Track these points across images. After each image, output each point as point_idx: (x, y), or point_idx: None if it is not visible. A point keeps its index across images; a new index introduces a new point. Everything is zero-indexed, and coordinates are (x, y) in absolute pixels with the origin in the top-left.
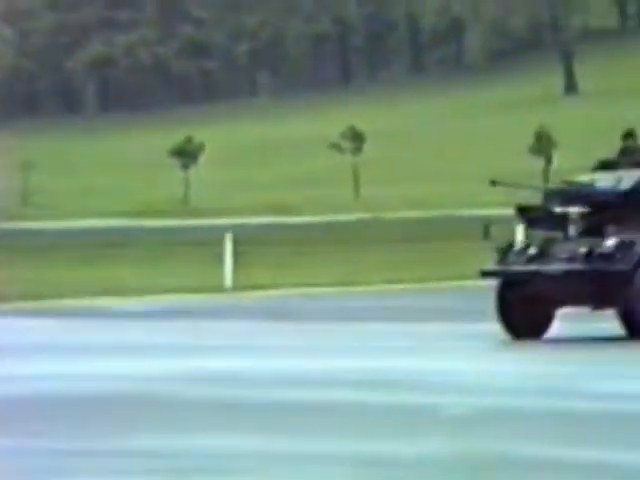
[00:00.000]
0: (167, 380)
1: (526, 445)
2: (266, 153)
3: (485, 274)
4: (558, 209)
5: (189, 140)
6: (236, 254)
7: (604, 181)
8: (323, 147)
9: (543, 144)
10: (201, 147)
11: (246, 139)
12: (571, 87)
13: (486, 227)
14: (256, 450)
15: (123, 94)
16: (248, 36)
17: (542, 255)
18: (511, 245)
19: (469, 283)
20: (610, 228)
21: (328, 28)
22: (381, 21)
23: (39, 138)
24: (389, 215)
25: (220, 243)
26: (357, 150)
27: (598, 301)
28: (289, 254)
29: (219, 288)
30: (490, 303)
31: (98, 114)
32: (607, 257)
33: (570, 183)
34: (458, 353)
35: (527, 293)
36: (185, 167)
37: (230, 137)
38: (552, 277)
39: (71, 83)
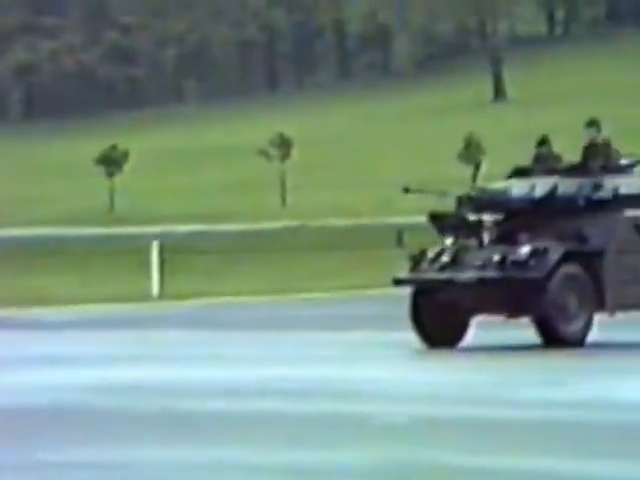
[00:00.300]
0: (97, 391)
1: (447, 453)
2: (193, 160)
3: (398, 282)
4: (472, 216)
5: (114, 148)
6: (163, 262)
7: (518, 188)
8: (251, 154)
9: (472, 151)
10: (126, 155)
11: (173, 146)
12: (499, 93)
13: (399, 234)
14: (183, 461)
15: (48, 101)
16: (174, 42)
17: (455, 263)
18: (424, 253)
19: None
20: (523, 235)
21: (255, 34)
22: (308, 27)
23: None
24: (316, 222)
25: (147, 251)
26: (285, 157)
27: (512, 309)
28: (218, 262)
29: (146, 297)
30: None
31: (22, 121)
32: (521, 265)
33: (483, 190)
34: (380, 362)
35: (440, 301)
36: (110, 175)
37: (157, 144)
38: (465, 285)
39: None
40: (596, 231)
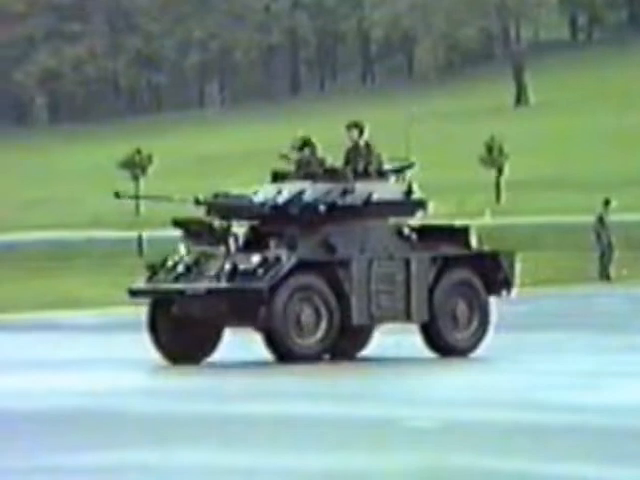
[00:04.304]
0: (118, 395)
1: (479, 457)
2: (216, 164)
3: (133, 293)
4: (217, 223)
5: (138, 151)
6: None
7: (263, 193)
8: (273, 158)
9: (494, 155)
10: (150, 158)
11: (196, 150)
12: (522, 99)
13: (139, 239)
14: (213, 465)
15: (72, 106)
16: (197, 48)
17: (191, 272)
18: (164, 261)
19: None
20: (272, 243)
21: (278, 39)
22: (331, 32)
23: None
24: None
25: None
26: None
27: (235, 321)
28: None
29: None
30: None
31: (47, 126)
32: (249, 274)
33: (227, 195)
34: (411, 365)
35: (174, 313)
36: (135, 178)
37: (180, 148)
38: (195, 296)
39: (20, 95)
40: (343, 239)
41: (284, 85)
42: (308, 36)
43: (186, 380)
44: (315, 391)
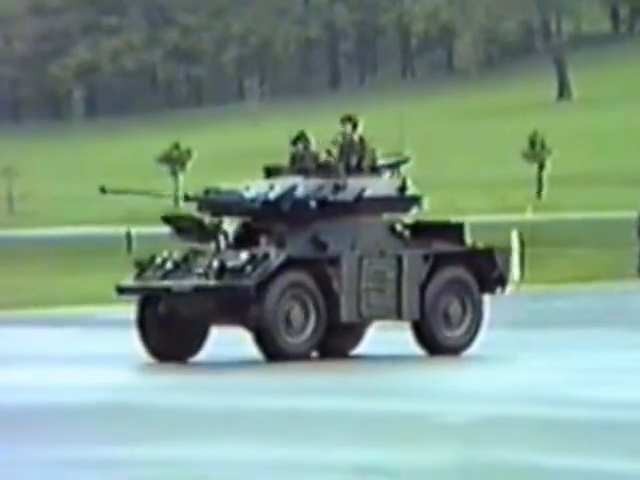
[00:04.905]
0: (146, 390)
1: (510, 452)
2: (255, 158)
3: (121, 291)
4: (208, 219)
5: (176, 146)
6: None
7: (255, 189)
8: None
9: (536, 150)
10: (189, 153)
11: (235, 144)
12: (564, 92)
13: (128, 236)
14: (249, 459)
15: (109, 99)
16: (235, 42)
17: (179, 269)
18: (153, 258)
19: None
20: (263, 240)
21: (318, 32)
22: (371, 26)
23: (24, 145)
24: None
25: None
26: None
27: (223, 319)
28: None
29: None
30: None
31: (84, 120)
32: (237, 272)
33: (218, 191)
34: (443, 361)
35: (162, 311)
36: (174, 173)
37: (218, 142)
38: (182, 294)
39: (56, 89)
40: (333, 236)
41: (323, 79)
42: (347, 29)
43: (209, 376)
44: (342, 387)
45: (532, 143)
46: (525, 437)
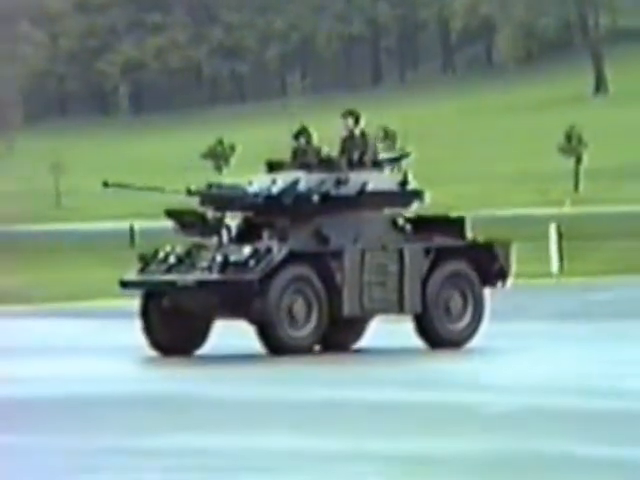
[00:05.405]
0: (193, 381)
1: (556, 443)
2: None
3: (125, 285)
4: (210, 214)
5: (220, 142)
6: None
7: (257, 184)
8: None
9: (573, 144)
10: (233, 148)
11: (277, 139)
12: (601, 87)
13: (131, 230)
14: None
15: (155, 96)
16: (278, 39)
17: (183, 264)
18: (156, 253)
19: None
20: (265, 234)
21: (360, 29)
22: (412, 22)
23: (71, 140)
24: None
25: None
26: (389, 150)
27: (226, 312)
28: None
29: None
30: None
31: (130, 116)
32: (240, 266)
33: (220, 186)
34: (490, 353)
35: (165, 305)
36: (218, 169)
37: (261, 138)
38: (185, 288)
39: (103, 85)
40: (336, 230)
41: (365, 75)
42: (389, 25)
43: (256, 367)
44: (384, 378)
45: (568, 137)
46: (563, 428)
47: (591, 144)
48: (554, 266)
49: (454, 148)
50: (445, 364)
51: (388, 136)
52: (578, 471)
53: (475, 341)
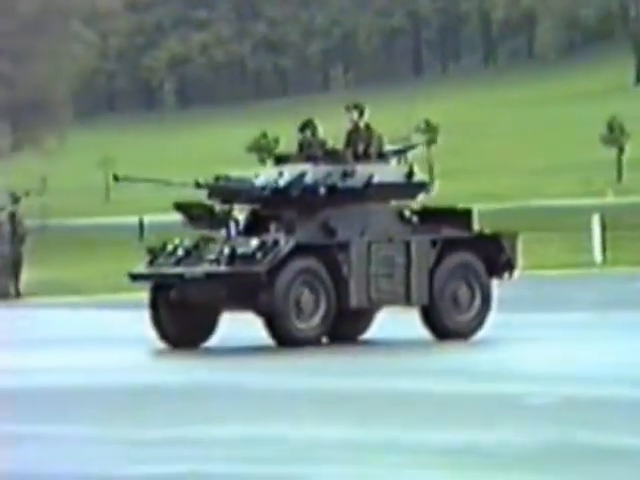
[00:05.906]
0: (241, 371)
1: (598, 433)
2: (340, 146)
3: (134, 277)
4: (218, 206)
5: (264, 135)
6: None
7: (265, 176)
8: (396, 140)
9: (615, 134)
10: (277, 142)
11: (321, 133)
12: None
13: (141, 224)
14: (341, 439)
15: (200, 90)
16: (320, 35)
17: (191, 256)
18: (165, 245)
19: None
20: (273, 227)
21: (400, 22)
22: (453, 14)
23: (119, 135)
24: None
25: None
26: (431, 142)
27: (234, 305)
28: None
29: None
30: None
31: (176, 110)
32: (248, 258)
33: (228, 178)
34: (532, 342)
35: (174, 298)
36: (262, 162)
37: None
38: (194, 280)
39: (149, 81)
40: (342, 222)
41: (406, 68)
42: (430, 18)
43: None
44: (427, 369)
45: (610, 128)
46: (608, 418)
47: (633, 134)
48: (597, 256)
49: (497, 140)
50: (473, 354)
51: (430, 128)
52: (628, 463)
53: (515, 331)
